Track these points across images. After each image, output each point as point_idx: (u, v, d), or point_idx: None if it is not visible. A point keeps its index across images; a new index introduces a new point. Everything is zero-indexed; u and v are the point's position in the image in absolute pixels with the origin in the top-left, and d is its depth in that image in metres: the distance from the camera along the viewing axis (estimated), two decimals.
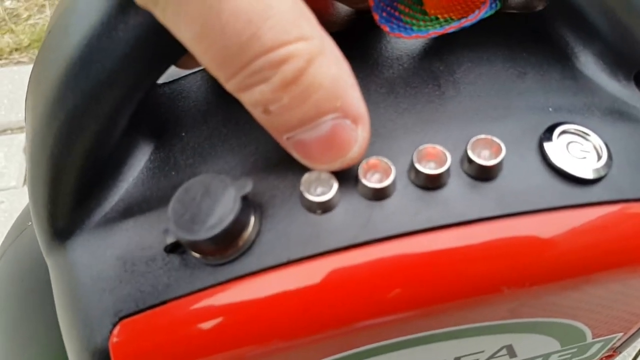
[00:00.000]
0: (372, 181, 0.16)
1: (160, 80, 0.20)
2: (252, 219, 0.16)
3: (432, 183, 0.16)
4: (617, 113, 0.18)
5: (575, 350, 0.23)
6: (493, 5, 0.18)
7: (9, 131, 0.99)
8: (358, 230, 0.15)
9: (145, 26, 0.15)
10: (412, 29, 0.18)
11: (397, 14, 0.18)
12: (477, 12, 0.18)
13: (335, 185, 0.16)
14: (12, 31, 0.93)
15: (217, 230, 0.15)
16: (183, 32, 0.14)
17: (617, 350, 0.24)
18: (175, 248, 0.16)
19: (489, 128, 0.17)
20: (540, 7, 0.20)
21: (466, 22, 0.18)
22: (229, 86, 0.15)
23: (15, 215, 0.34)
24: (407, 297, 0.15)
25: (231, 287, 0.16)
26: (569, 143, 0.17)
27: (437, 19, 0.19)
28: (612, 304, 0.19)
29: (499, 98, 0.18)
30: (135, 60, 0.16)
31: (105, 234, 0.17)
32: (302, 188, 0.16)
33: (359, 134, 0.15)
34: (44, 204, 0.18)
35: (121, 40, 0.16)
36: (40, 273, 0.21)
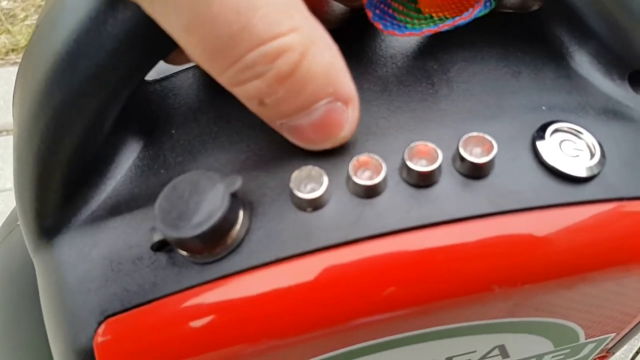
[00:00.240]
0: (363, 178, 0.16)
1: (151, 78, 0.19)
2: (241, 217, 0.16)
3: (423, 181, 0.16)
4: (611, 112, 0.18)
5: (568, 351, 0.22)
6: (487, 4, 0.18)
7: (5, 132, 0.99)
8: (348, 228, 0.15)
9: (134, 21, 0.15)
10: (405, 27, 0.18)
11: (390, 11, 0.18)
12: (471, 10, 0.18)
13: (326, 182, 0.15)
14: (8, 32, 0.92)
15: (204, 227, 0.14)
16: (172, 25, 0.14)
17: (610, 351, 0.24)
18: (162, 246, 0.16)
19: (481, 126, 0.17)
20: (535, 7, 0.20)
21: (460, 20, 0.18)
22: (222, 80, 0.14)
23: None
24: (397, 295, 0.15)
25: (219, 286, 0.15)
26: (561, 141, 0.17)
27: (431, 17, 0.18)
28: (604, 304, 0.18)
29: (493, 97, 0.18)
30: (123, 55, 0.16)
31: (92, 232, 0.17)
32: (292, 185, 0.16)
33: (350, 115, 0.16)
34: (30, 201, 0.18)
35: (109, 34, 0.15)
36: (29, 273, 0.21)
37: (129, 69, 0.16)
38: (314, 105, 0.15)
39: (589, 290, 0.17)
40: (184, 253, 0.16)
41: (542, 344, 0.21)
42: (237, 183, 0.15)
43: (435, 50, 0.19)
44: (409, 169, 0.16)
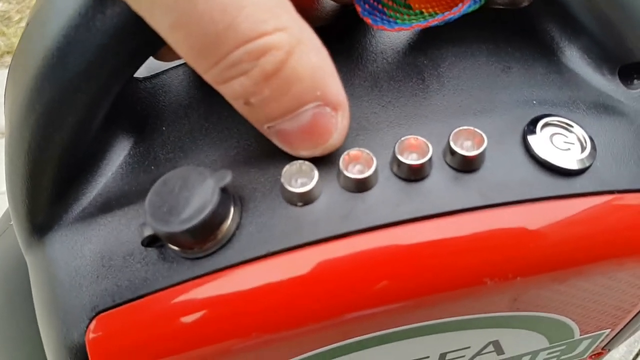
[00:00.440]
0: (353, 173, 0.16)
1: (141, 75, 0.19)
2: (232, 211, 0.15)
3: (414, 174, 0.16)
4: (602, 106, 0.18)
5: (563, 347, 0.22)
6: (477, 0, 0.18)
7: (1, 135, 0.99)
8: (339, 222, 0.15)
9: (122, 16, 0.15)
10: (395, 22, 0.18)
11: (380, 7, 0.18)
12: (460, 5, 0.18)
13: (316, 177, 0.15)
14: (3, 34, 0.92)
15: (194, 222, 0.14)
16: (158, 22, 0.14)
17: (605, 347, 0.24)
18: (152, 242, 0.15)
19: (472, 121, 0.17)
20: (526, 3, 0.20)
21: (450, 15, 0.18)
22: (208, 78, 0.14)
23: None
24: (389, 289, 0.15)
25: (210, 281, 0.15)
26: (552, 135, 0.17)
27: (421, 13, 0.18)
28: (598, 298, 0.18)
29: (483, 92, 0.18)
30: (113, 51, 0.16)
31: (84, 229, 0.17)
32: (283, 179, 0.16)
33: (339, 121, 0.15)
34: (22, 199, 0.18)
35: (99, 30, 0.15)
36: (23, 273, 0.21)
37: (119, 65, 0.16)
38: (301, 109, 0.15)
39: (582, 284, 0.17)
40: (175, 248, 0.15)
41: (537, 340, 0.21)
42: (227, 178, 0.15)
43: (426, 45, 0.19)
44: (400, 163, 0.16)
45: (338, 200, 0.16)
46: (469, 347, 0.19)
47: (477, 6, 0.18)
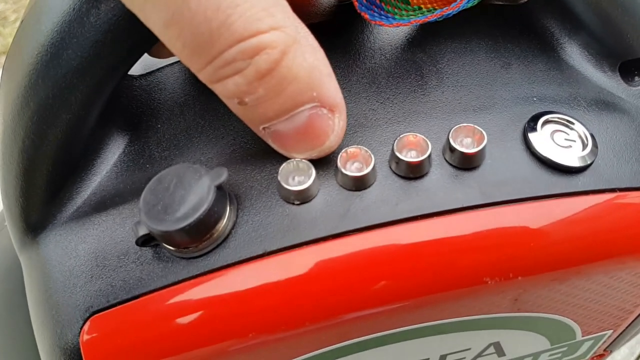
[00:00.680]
0: (351, 170, 0.15)
1: (137, 73, 0.19)
2: (228, 210, 0.15)
3: (413, 172, 0.15)
4: (603, 103, 0.18)
5: (565, 349, 0.22)
6: None
7: None
8: (337, 220, 0.15)
9: (117, 12, 0.15)
10: (394, 18, 0.17)
11: (378, 1, 0.18)
12: (458, 0, 0.18)
13: (313, 175, 0.15)
14: (0, 34, 0.92)
15: (190, 220, 0.14)
16: (152, 20, 0.14)
17: (608, 349, 0.24)
18: (147, 241, 0.15)
19: (472, 118, 0.17)
20: None
21: (448, 10, 0.17)
22: (202, 76, 0.14)
23: None
24: (387, 289, 0.15)
25: (206, 281, 0.15)
26: (553, 132, 0.17)
27: (419, 8, 0.18)
28: (600, 299, 0.18)
29: (483, 88, 0.18)
30: (107, 47, 0.15)
31: (78, 228, 0.17)
32: (279, 178, 0.15)
33: (336, 123, 0.15)
34: (15, 197, 0.18)
35: (92, 26, 0.15)
36: (17, 274, 0.20)
37: (113, 62, 0.16)
38: (296, 109, 0.14)
39: (583, 284, 0.17)
40: (170, 248, 0.15)
41: (538, 342, 0.21)
42: (223, 176, 0.15)
43: (425, 41, 0.19)
44: (399, 160, 0.15)
45: (336, 198, 0.15)
46: (469, 349, 0.19)
47: (475, 1, 0.18)
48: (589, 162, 0.16)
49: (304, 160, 0.15)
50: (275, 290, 0.15)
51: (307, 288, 0.15)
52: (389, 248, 0.15)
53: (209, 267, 0.15)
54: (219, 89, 0.14)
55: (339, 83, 0.15)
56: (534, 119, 0.17)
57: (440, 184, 0.15)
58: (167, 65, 0.19)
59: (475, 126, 0.16)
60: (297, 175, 0.15)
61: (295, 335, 0.15)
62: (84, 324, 0.15)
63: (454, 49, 0.19)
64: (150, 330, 0.15)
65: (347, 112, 0.17)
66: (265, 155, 0.16)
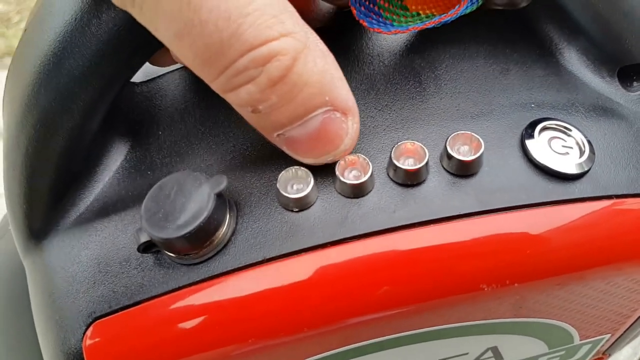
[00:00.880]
0: (349, 178, 0.15)
1: (138, 80, 0.19)
2: (228, 217, 0.15)
3: (410, 179, 0.16)
4: (601, 109, 0.18)
5: (563, 352, 0.22)
6: (474, 1, 0.18)
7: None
8: (335, 227, 0.15)
9: (118, 22, 0.15)
10: (392, 25, 0.18)
11: (376, 9, 0.18)
12: (457, 7, 0.18)
13: (312, 182, 0.15)
14: (3, 35, 0.92)
15: (190, 227, 0.14)
16: (162, 32, 0.14)
17: (606, 352, 0.24)
18: (148, 248, 0.15)
19: (470, 125, 0.17)
20: (524, 4, 0.20)
21: (447, 17, 0.17)
22: (215, 86, 0.14)
23: None
24: (385, 295, 0.15)
25: (206, 287, 0.15)
26: (551, 139, 0.17)
27: (418, 14, 0.18)
28: (597, 304, 0.18)
29: (481, 95, 0.18)
30: (108, 56, 0.16)
31: (81, 234, 0.17)
32: (278, 185, 0.15)
33: (349, 126, 0.15)
34: (19, 204, 0.18)
35: (94, 36, 0.15)
36: (22, 277, 0.21)
37: (114, 70, 0.16)
38: (310, 115, 0.14)
39: (581, 290, 0.17)
40: (171, 254, 0.15)
41: (536, 346, 0.21)
42: (223, 183, 0.15)
43: (423, 48, 0.19)
44: (396, 168, 0.16)
45: (334, 205, 0.16)
46: (467, 354, 0.19)
47: (474, 7, 0.18)
48: (586, 169, 0.16)
49: (302, 168, 0.16)
50: (274, 296, 0.15)
51: (306, 294, 0.15)
52: (387, 255, 0.15)
53: (209, 273, 0.15)
54: (232, 98, 0.14)
55: None
56: (532, 126, 0.17)
57: (438, 191, 0.16)
58: (167, 73, 0.19)
59: (473, 134, 0.16)
60: (295, 183, 0.16)
61: (293, 340, 0.15)
62: (86, 329, 0.16)
63: (452, 55, 0.19)
64: (151, 336, 0.15)
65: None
66: (264, 163, 0.17)
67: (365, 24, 0.17)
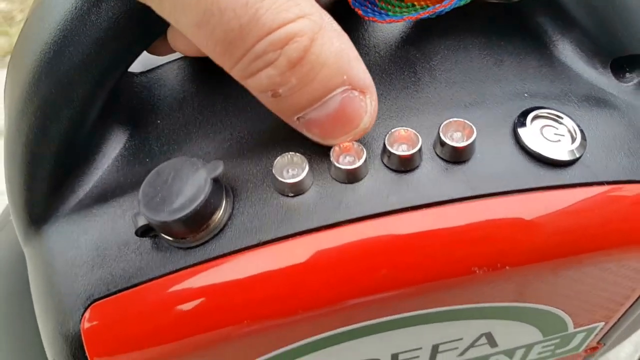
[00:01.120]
0: (344, 164, 0.16)
1: (137, 70, 0.20)
2: (224, 202, 0.16)
3: (404, 165, 0.16)
4: (594, 99, 0.18)
5: (557, 340, 0.22)
6: None
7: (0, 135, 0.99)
8: (330, 211, 0.15)
9: (117, 11, 0.16)
10: (387, 14, 0.18)
11: None
12: None
13: (307, 168, 0.16)
14: (6, 34, 0.93)
15: (187, 211, 0.15)
16: (182, 22, 0.14)
17: (601, 341, 0.24)
18: (146, 232, 0.16)
19: (463, 114, 0.17)
20: None
21: (441, 7, 0.18)
22: (235, 73, 0.15)
23: None
24: (378, 278, 0.15)
25: (202, 270, 0.15)
26: (542, 127, 0.17)
27: (413, 5, 0.19)
28: (590, 290, 0.18)
29: (475, 85, 0.18)
30: (107, 45, 0.16)
31: (80, 220, 0.17)
32: (274, 171, 0.16)
33: (368, 104, 0.15)
34: (20, 190, 0.18)
35: (93, 24, 0.16)
36: (22, 268, 0.21)
37: (113, 58, 0.16)
38: (329, 95, 0.15)
39: (572, 275, 0.17)
40: (168, 238, 0.16)
41: (530, 333, 0.21)
42: (219, 168, 0.15)
43: (418, 39, 0.19)
44: (390, 154, 0.16)
45: (329, 190, 0.16)
46: (461, 339, 0.19)
47: (468, 0, 0.18)
48: (577, 156, 0.16)
49: (297, 154, 0.16)
50: (269, 278, 0.15)
51: (300, 277, 0.15)
52: (380, 238, 0.15)
53: (205, 256, 0.15)
54: (252, 84, 0.15)
55: None
56: (524, 114, 0.17)
57: (431, 177, 0.16)
58: (166, 63, 0.20)
59: (465, 121, 0.16)
60: (291, 169, 0.16)
61: (288, 323, 0.16)
62: (84, 311, 0.16)
63: (447, 46, 0.19)
64: (148, 317, 0.16)
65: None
66: (261, 149, 0.17)
67: (360, 12, 0.17)
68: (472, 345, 0.20)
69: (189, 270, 0.16)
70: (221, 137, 0.18)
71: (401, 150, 0.16)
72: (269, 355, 0.17)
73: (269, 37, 0.13)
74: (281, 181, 0.16)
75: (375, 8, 0.18)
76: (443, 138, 0.16)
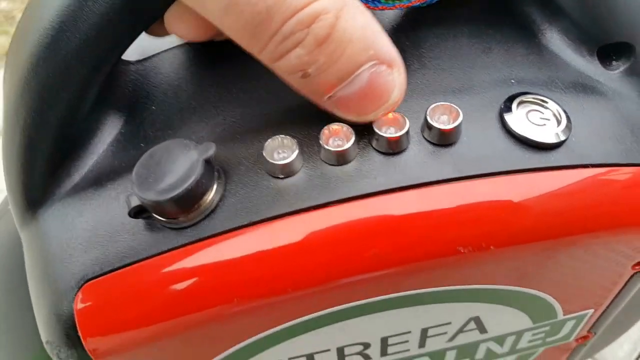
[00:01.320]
0: (333, 146, 0.16)
1: (134, 58, 0.20)
2: (215, 183, 0.16)
3: (392, 147, 0.16)
4: (580, 86, 0.19)
5: (548, 328, 0.23)
6: None
7: None
8: (319, 192, 0.16)
9: None
10: (379, 1, 0.18)
11: None
12: None
13: (297, 150, 0.16)
14: (7, 33, 0.94)
15: (178, 190, 0.15)
16: (210, 10, 0.14)
17: (591, 330, 0.25)
18: (139, 213, 0.16)
19: (451, 99, 0.18)
20: None
21: None
22: (264, 56, 0.15)
23: None
24: (367, 256, 0.15)
25: (194, 249, 0.16)
26: (528, 112, 0.17)
27: None
28: (577, 274, 0.19)
29: (463, 72, 0.19)
30: (104, 30, 0.16)
31: (75, 203, 0.18)
32: (265, 153, 0.16)
33: (396, 77, 0.15)
34: (17, 174, 0.18)
35: (90, 10, 0.16)
36: (19, 257, 0.21)
37: (109, 43, 0.17)
38: (357, 71, 0.15)
39: (559, 259, 0.18)
40: (161, 218, 0.16)
41: (519, 319, 0.21)
42: (211, 150, 0.16)
43: (408, 27, 0.19)
44: (379, 137, 0.16)
45: (318, 172, 0.16)
46: (449, 323, 0.20)
47: None
48: (562, 139, 0.17)
49: (288, 137, 0.16)
50: (259, 258, 0.15)
51: (290, 257, 0.16)
52: (368, 219, 0.16)
53: (197, 236, 0.16)
54: (281, 66, 0.15)
55: None
56: (510, 99, 0.17)
57: (418, 159, 0.16)
58: (162, 52, 0.20)
59: (452, 105, 0.16)
60: (281, 151, 0.16)
61: (277, 302, 0.16)
62: (77, 291, 0.16)
63: (437, 34, 0.19)
64: (140, 297, 0.16)
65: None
66: (252, 134, 0.17)
67: None
68: (461, 331, 0.20)
69: (181, 250, 0.16)
70: (214, 121, 0.18)
71: (389, 132, 0.16)
72: (259, 336, 0.17)
73: (295, 16, 0.14)
74: (272, 163, 0.16)
75: None
76: (430, 121, 0.16)
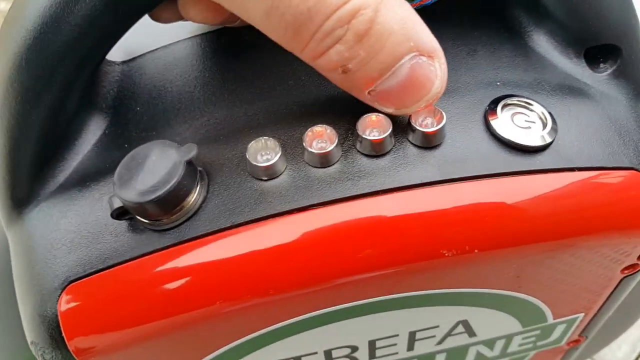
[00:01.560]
0: (317, 148, 0.16)
1: (119, 59, 0.20)
2: (198, 184, 0.16)
3: (375, 150, 0.16)
4: (567, 88, 0.19)
5: (538, 332, 0.22)
6: None
7: None
8: (302, 195, 0.16)
9: None
10: None
11: None
12: None
13: (280, 152, 0.16)
14: None
15: (159, 192, 0.15)
16: (252, 13, 0.15)
17: (582, 334, 0.24)
18: (122, 214, 0.16)
19: (436, 102, 0.18)
20: None
21: (425, 1, 0.18)
22: (305, 55, 0.15)
23: None
24: (351, 260, 0.15)
25: (177, 252, 0.16)
26: (513, 114, 0.17)
27: None
28: (565, 278, 0.19)
29: (448, 74, 0.18)
30: (86, 31, 0.16)
31: (60, 203, 0.18)
32: (248, 155, 0.16)
33: (437, 68, 0.15)
34: (2, 175, 0.18)
35: (71, 11, 0.16)
36: (6, 259, 0.21)
37: (92, 45, 0.17)
38: (398, 63, 0.15)
39: (546, 263, 0.18)
40: (143, 220, 0.16)
41: (508, 323, 0.21)
42: (193, 152, 0.15)
43: None
44: (362, 139, 0.16)
45: (302, 174, 0.16)
46: (437, 327, 0.20)
47: None
48: (548, 141, 0.17)
49: (271, 139, 0.16)
50: (242, 260, 0.15)
51: (273, 259, 0.15)
52: (351, 222, 0.15)
53: (179, 238, 0.16)
54: (323, 62, 0.15)
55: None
56: (495, 102, 0.17)
57: (402, 162, 0.16)
58: (148, 52, 0.20)
59: (436, 107, 0.16)
60: (265, 153, 0.16)
61: (261, 304, 0.16)
62: (61, 293, 0.16)
63: None
64: (123, 298, 0.16)
65: (317, 94, 0.17)
66: (236, 135, 0.17)
67: None
68: (449, 334, 0.20)
69: (163, 252, 0.16)
70: (199, 123, 0.18)
71: (372, 135, 0.16)
72: (241, 340, 0.17)
73: (335, 14, 0.14)
74: (255, 165, 0.16)
75: None
76: (413, 124, 0.16)
